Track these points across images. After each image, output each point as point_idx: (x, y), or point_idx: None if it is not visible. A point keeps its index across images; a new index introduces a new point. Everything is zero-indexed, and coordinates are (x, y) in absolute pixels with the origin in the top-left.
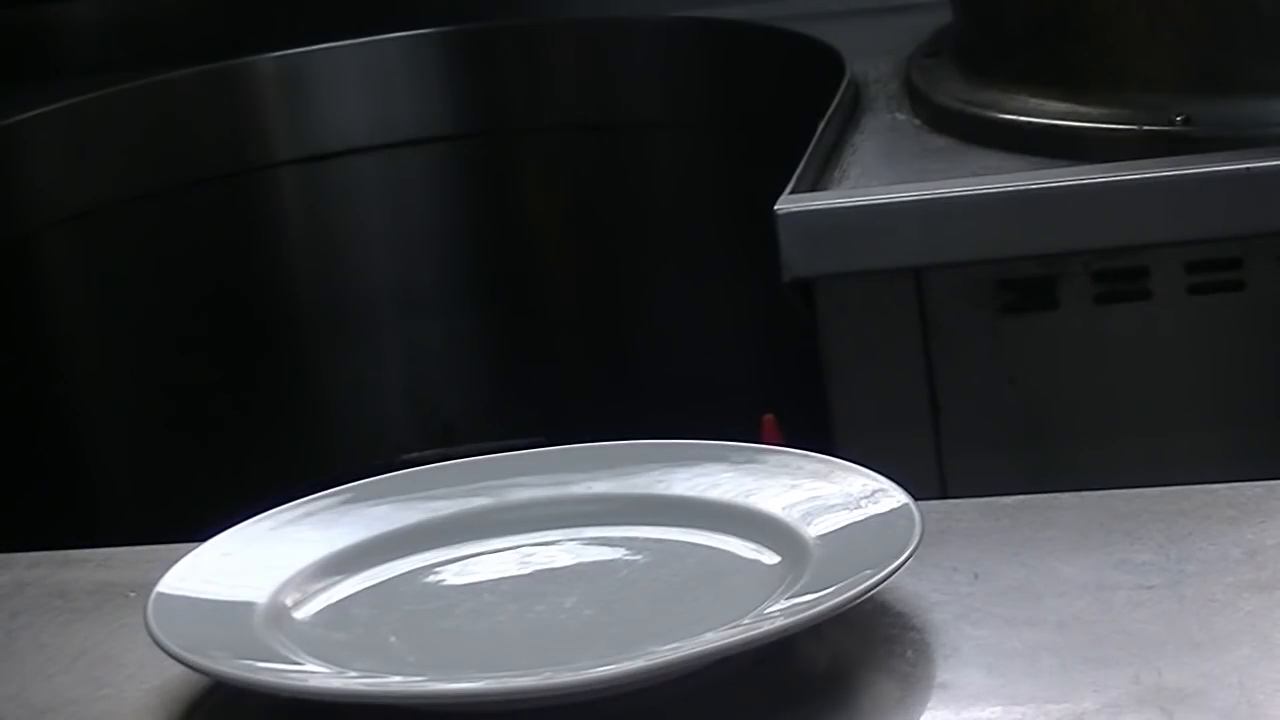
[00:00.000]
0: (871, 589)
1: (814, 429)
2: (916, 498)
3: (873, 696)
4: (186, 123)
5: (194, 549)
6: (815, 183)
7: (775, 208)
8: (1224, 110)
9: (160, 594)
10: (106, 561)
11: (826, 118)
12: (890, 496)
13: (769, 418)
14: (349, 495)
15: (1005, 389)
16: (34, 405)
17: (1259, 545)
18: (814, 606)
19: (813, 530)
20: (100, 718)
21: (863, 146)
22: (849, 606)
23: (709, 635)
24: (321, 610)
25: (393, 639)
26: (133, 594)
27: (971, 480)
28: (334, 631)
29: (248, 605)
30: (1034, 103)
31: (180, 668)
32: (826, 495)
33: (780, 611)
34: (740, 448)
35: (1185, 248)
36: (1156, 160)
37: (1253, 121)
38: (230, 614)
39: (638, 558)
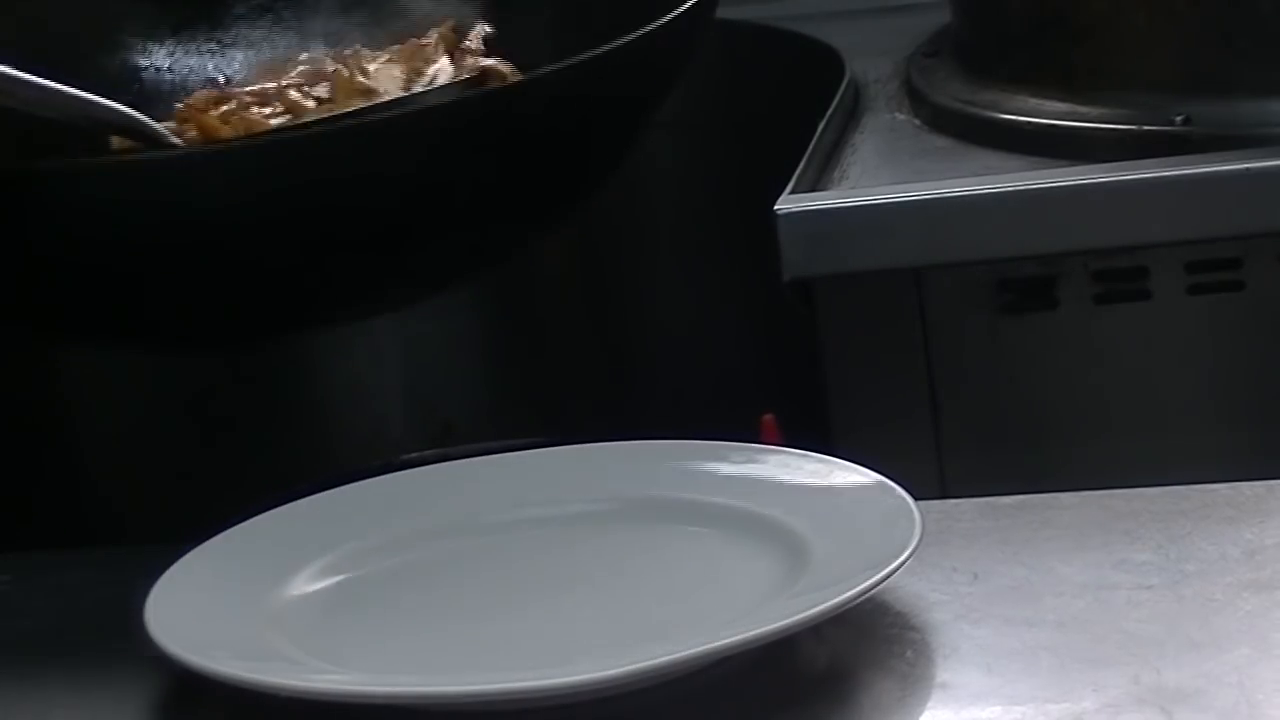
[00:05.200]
0: (871, 589)
1: (814, 429)
2: (916, 498)
3: (873, 696)
4: None
5: (194, 549)
6: (815, 183)
7: (775, 208)
8: (1224, 110)
9: (160, 594)
10: (107, 561)
11: (826, 118)
12: (890, 496)
13: (769, 418)
14: (349, 495)
15: (1005, 389)
16: (34, 405)
17: (1258, 545)
18: (814, 606)
19: (813, 530)
20: (100, 717)
21: (863, 146)
22: (849, 606)
23: (709, 635)
24: (321, 610)
25: (393, 639)
26: (132, 594)
27: (971, 480)
28: (334, 631)
29: (248, 605)
30: (1034, 103)
31: (180, 668)
32: (826, 495)
33: (780, 611)
34: (740, 448)
35: (1185, 248)
36: (1156, 160)
37: (1253, 121)
38: (230, 614)
39: (638, 558)
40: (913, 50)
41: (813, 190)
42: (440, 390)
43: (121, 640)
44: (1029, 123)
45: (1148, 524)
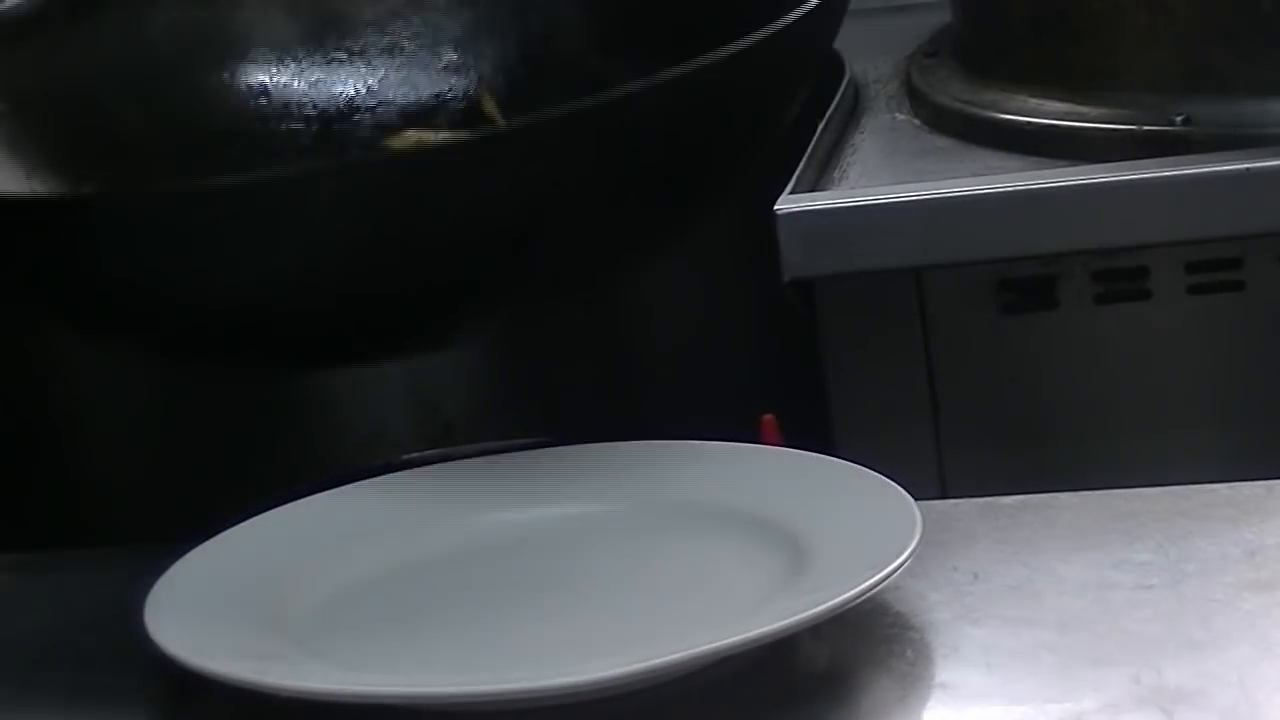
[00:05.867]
0: (871, 589)
1: (814, 429)
2: (916, 498)
3: (873, 696)
4: None
5: (194, 549)
6: (815, 183)
7: (775, 208)
8: (1224, 110)
9: (160, 594)
10: (106, 561)
11: (826, 118)
12: (890, 496)
13: (769, 418)
14: (349, 495)
15: (1005, 389)
16: (33, 404)
17: (1259, 545)
18: (814, 606)
19: (813, 530)
20: (100, 718)
21: (863, 146)
22: (849, 606)
23: (709, 635)
24: (321, 610)
25: (393, 639)
26: (132, 594)
27: (971, 480)
28: (334, 631)
29: (248, 605)
30: (1034, 103)
31: (180, 668)
32: (826, 495)
33: (780, 611)
34: (740, 448)
35: (1185, 248)
36: (1156, 160)
37: (1253, 121)
38: (230, 614)
39: (638, 557)
40: (913, 50)
41: (813, 190)
42: (441, 390)
43: (121, 640)
44: (1029, 123)
45: (1148, 524)
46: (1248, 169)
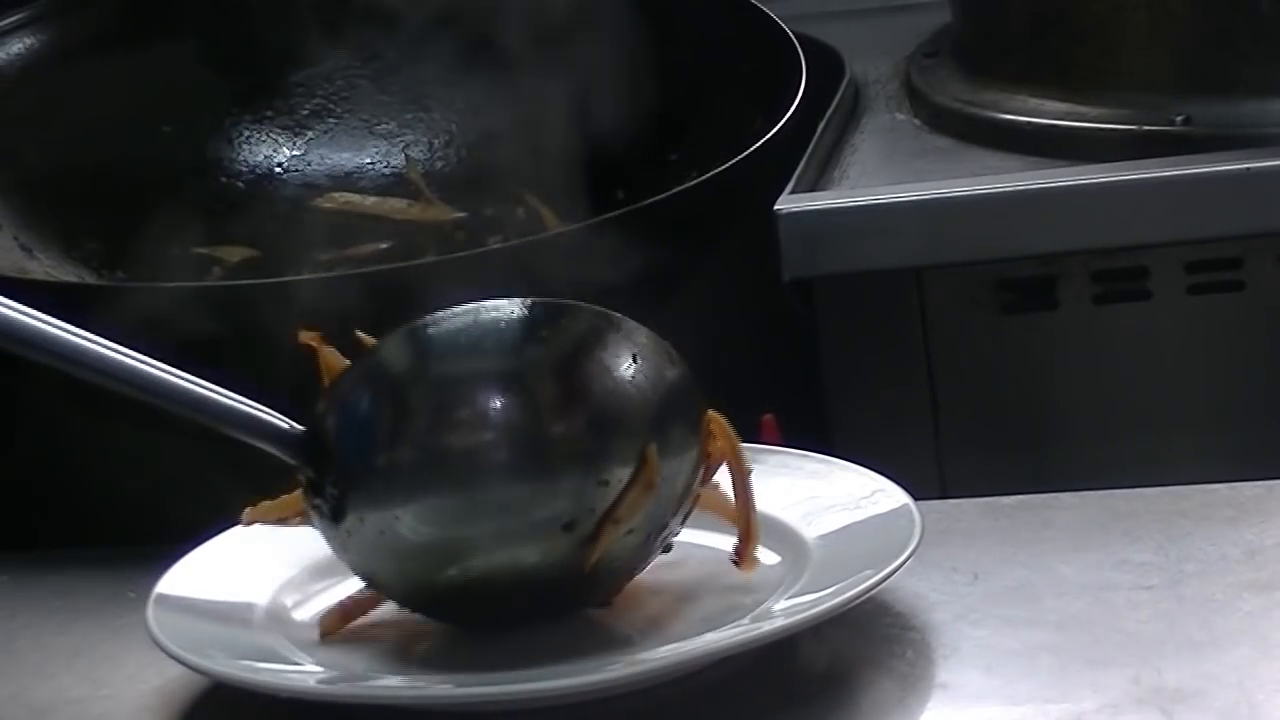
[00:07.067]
0: (871, 589)
1: (814, 429)
2: (916, 498)
3: (873, 696)
4: None
5: (194, 549)
6: (815, 183)
7: (775, 208)
8: (1224, 110)
9: (160, 594)
10: (106, 561)
11: (826, 118)
12: (890, 496)
13: (769, 418)
14: None
15: (1005, 389)
16: (32, 403)
17: (1259, 545)
18: (814, 606)
19: (813, 530)
20: (100, 718)
21: (863, 146)
22: (849, 606)
23: (709, 635)
24: (321, 610)
25: (392, 639)
26: (133, 594)
27: (971, 480)
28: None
29: (248, 605)
30: (1034, 103)
31: (180, 668)
32: (826, 495)
33: (780, 611)
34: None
35: (1185, 248)
36: (1156, 160)
37: (1253, 121)
38: (230, 614)
39: None
40: (913, 50)
41: (813, 190)
42: None
43: (122, 640)
44: (1029, 123)
45: (1148, 524)
46: (1248, 169)
